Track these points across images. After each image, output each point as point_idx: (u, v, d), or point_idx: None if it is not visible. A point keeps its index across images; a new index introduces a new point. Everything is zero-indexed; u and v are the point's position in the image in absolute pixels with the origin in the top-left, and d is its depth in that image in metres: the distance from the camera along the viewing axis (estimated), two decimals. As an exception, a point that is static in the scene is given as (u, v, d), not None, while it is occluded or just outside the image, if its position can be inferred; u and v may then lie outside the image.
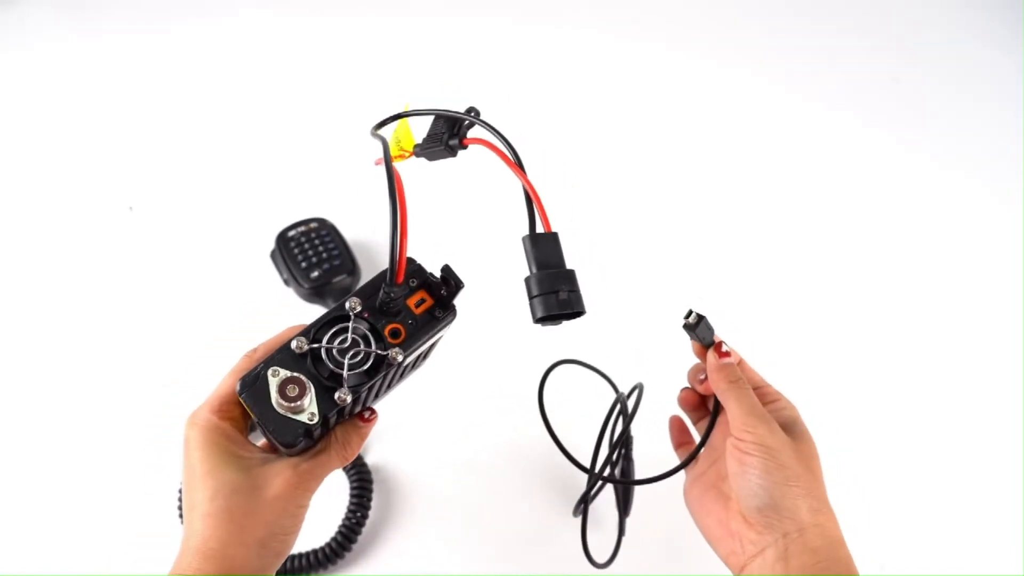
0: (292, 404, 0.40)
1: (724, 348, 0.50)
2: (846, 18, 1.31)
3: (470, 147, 0.48)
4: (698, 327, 0.50)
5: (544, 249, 0.41)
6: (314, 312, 0.84)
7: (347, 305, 0.42)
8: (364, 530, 0.68)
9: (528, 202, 0.43)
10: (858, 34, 1.27)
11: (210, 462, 0.41)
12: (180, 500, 0.68)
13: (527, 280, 0.41)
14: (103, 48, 1.15)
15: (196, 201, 0.96)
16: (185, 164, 1.00)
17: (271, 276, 0.86)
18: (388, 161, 0.44)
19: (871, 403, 0.83)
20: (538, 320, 0.40)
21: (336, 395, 0.40)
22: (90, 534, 0.68)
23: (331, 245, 0.84)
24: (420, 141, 0.48)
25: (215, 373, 0.84)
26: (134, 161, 1.00)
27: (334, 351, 0.41)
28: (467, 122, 0.47)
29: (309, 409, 0.40)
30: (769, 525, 0.43)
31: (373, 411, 0.46)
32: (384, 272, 0.43)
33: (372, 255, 0.90)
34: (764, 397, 0.49)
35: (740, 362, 0.50)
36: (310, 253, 0.83)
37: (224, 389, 0.44)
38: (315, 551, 0.66)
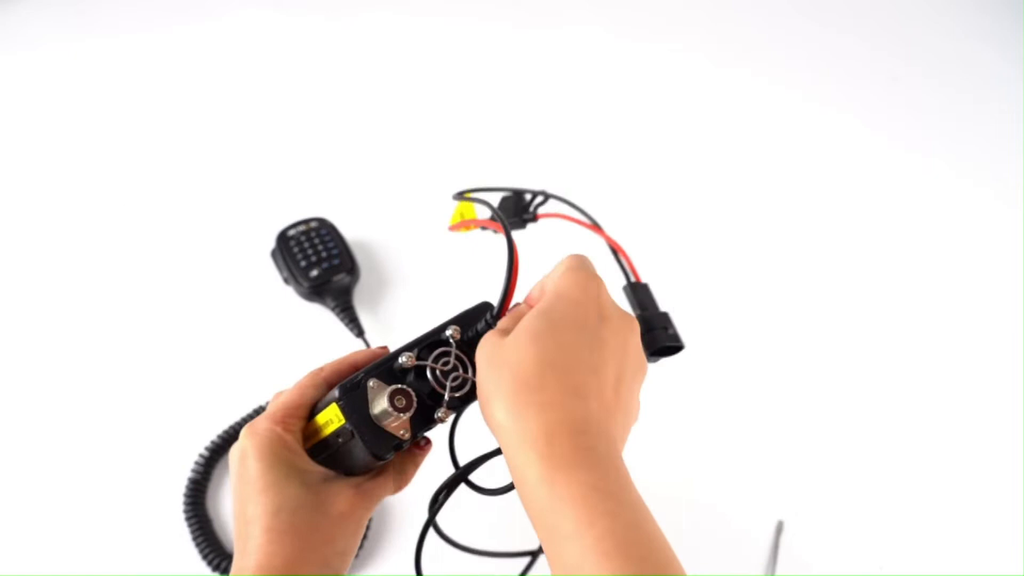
0: (397, 416, 0.40)
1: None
2: (846, 18, 1.31)
3: (541, 221, 0.57)
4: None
5: (643, 295, 0.51)
6: (314, 311, 0.84)
7: (447, 332, 0.43)
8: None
9: (615, 256, 0.52)
10: (858, 34, 1.27)
11: (272, 475, 0.39)
12: (188, 492, 0.68)
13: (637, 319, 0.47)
14: (103, 48, 1.15)
15: (196, 201, 0.96)
16: (185, 164, 1.00)
17: (271, 275, 0.86)
18: (498, 212, 0.50)
19: (871, 403, 0.83)
20: (654, 353, 0.48)
21: (436, 414, 0.42)
22: (90, 533, 0.68)
23: (331, 244, 0.84)
24: (490, 214, 0.53)
25: (215, 371, 0.84)
26: (135, 161, 1.00)
27: (438, 371, 0.42)
28: (540, 199, 0.55)
29: (405, 425, 0.41)
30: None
31: (428, 440, 0.46)
32: (480, 306, 0.46)
33: (371, 255, 0.90)
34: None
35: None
36: (310, 252, 0.83)
37: (288, 401, 0.42)
38: None
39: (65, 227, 0.92)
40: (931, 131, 1.14)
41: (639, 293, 0.50)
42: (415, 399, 0.41)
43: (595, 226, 0.52)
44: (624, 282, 0.52)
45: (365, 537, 0.68)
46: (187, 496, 0.68)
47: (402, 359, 0.41)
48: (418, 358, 0.42)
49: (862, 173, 1.07)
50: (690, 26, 1.27)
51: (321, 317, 0.84)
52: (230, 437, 0.72)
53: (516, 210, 0.56)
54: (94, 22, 1.19)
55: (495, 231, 0.48)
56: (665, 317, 0.49)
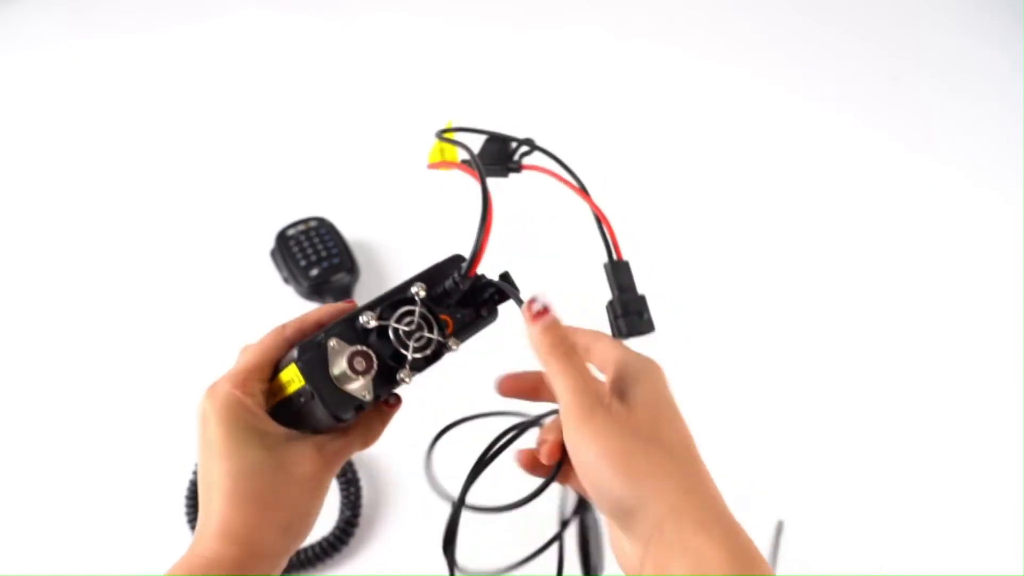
0: (356, 378, 0.39)
1: (537, 306, 0.39)
2: (846, 18, 1.31)
3: (526, 173, 0.51)
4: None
5: (622, 275, 0.46)
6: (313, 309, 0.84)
7: (412, 289, 0.41)
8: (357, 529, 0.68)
9: (600, 228, 0.46)
10: (858, 34, 1.27)
11: (232, 438, 0.38)
12: (189, 494, 0.68)
13: (612, 303, 0.45)
14: (103, 48, 1.15)
15: (196, 200, 0.96)
16: (185, 163, 1.00)
17: (271, 274, 0.86)
18: (475, 158, 0.46)
19: (872, 403, 0.83)
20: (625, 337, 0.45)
21: (398, 375, 0.40)
22: (90, 533, 0.68)
23: (330, 244, 0.85)
24: (466, 156, 0.49)
25: (215, 372, 0.84)
26: (135, 160, 1.00)
27: (400, 331, 0.41)
28: (525, 148, 0.50)
29: (367, 386, 0.39)
30: (630, 530, 0.35)
31: (398, 398, 0.45)
32: (448, 260, 0.44)
33: (371, 254, 0.90)
34: (604, 355, 0.40)
35: (576, 328, 0.41)
36: (309, 252, 0.83)
37: (249, 361, 0.42)
38: (316, 544, 0.66)
39: (66, 226, 0.92)
40: (931, 131, 1.14)
41: (619, 273, 0.45)
42: (375, 361, 0.39)
43: (581, 190, 0.47)
44: (604, 258, 0.46)
45: (359, 512, 0.68)
46: (189, 497, 0.68)
47: (363, 318, 0.40)
48: (380, 317, 0.40)
49: (862, 173, 1.07)
50: (690, 26, 1.27)
51: (321, 317, 0.84)
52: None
53: (499, 157, 0.51)
54: (94, 22, 1.19)
55: (473, 178, 0.44)
56: (642, 301, 0.45)
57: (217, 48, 1.16)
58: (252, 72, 1.13)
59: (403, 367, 0.40)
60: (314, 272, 0.82)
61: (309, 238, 0.85)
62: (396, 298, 0.42)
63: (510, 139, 0.50)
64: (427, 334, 0.41)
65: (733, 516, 0.35)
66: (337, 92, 1.12)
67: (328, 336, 0.40)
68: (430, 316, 0.42)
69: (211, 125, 1.05)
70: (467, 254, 0.41)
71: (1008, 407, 0.83)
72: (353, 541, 0.68)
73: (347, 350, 0.39)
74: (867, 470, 0.78)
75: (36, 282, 0.87)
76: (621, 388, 0.37)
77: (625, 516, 0.34)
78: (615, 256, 0.46)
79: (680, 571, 0.32)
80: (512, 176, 0.51)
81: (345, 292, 0.83)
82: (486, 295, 0.45)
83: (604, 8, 1.29)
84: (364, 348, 0.39)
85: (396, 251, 0.91)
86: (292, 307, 0.84)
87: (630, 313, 0.45)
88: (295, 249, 0.84)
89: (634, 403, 0.37)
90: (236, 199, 0.96)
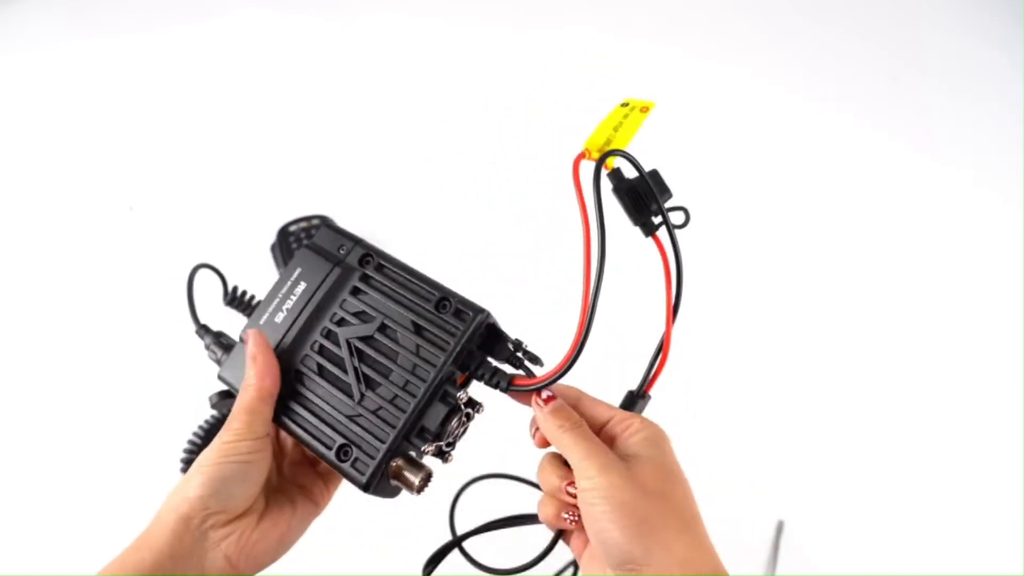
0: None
1: (545, 394, 0.42)
2: (846, 18, 1.31)
3: (641, 241, 0.46)
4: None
5: (638, 408, 0.45)
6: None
7: (459, 395, 0.42)
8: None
9: (655, 358, 0.45)
10: (858, 34, 1.27)
11: None
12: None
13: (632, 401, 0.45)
14: (104, 48, 1.15)
15: (200, 198, 0.96)
16: (190, 162, 1.00)
17: (269, 268, 0.86)
18: (647, 181, 0.43)
19: (872, 403, 0.83)
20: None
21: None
22: (90, 532, 0.68)
23: (331, 243, 0.85)
24: (617, 178, 0.44)
25: (215, 366, 0.83)
26: (137, 160, 1.00)
27: (442, 447, 0.43)
28: (675, 219, 0.46)
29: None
30: (629, 571, 0.37)
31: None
32: (478, 325, 0.42)
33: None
34: (613, 428, 0.43)
35: (579, 398, 0.44)
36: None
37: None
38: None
39: (66, 225, 0.92)
40: (931, 131, 1.14)
41: (639, 406, 0.45)
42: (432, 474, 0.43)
43: (672, 311, 0.45)
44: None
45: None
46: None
47: (423, 448, 0.42)
48: (435, 439, 0.42)
49: (862, 172, 1.07)
50: (690, 26, 1.27)
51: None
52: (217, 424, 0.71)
53: (639, 205, 0.45)
54: (94, 22, 1.19)
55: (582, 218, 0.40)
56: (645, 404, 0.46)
57: (218, 48, 1.16)
58: (253, 72, 1.13)
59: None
60: (313, 270, 0.82)
61: (309, 235, 0.85)
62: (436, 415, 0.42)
63: (664, 193, 0.45)
64: (465, 426, 0.43)
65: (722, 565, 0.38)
66: (341, 91, 1.12)
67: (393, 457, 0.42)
68: (470, 409, 0.43)
69: (213, 124, 1.05)
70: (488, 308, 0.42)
71: (1008, 407, 0.83)
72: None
73: (422, 472, 0.42)
74: (867, 470, 0.78)
75: (37, 282, 0.87)
76: (630, 451, 0.40)
77: (630, 565, 0.37)
78: (644, 389, 0.45)
79: None
80: (622, 231, 0.46)
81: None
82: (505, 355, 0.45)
83: (604, 8, 1.29)
84: (431, 472, 0.42)
85: (396, 251, 0.91)
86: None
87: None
88: (295, 245, 0.84)
89: (643, 464, 0.39)
90: (240, 195, 0.96)
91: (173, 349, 0.81)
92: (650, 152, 1.19)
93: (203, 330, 0.49)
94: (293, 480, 0.46)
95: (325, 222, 0.86)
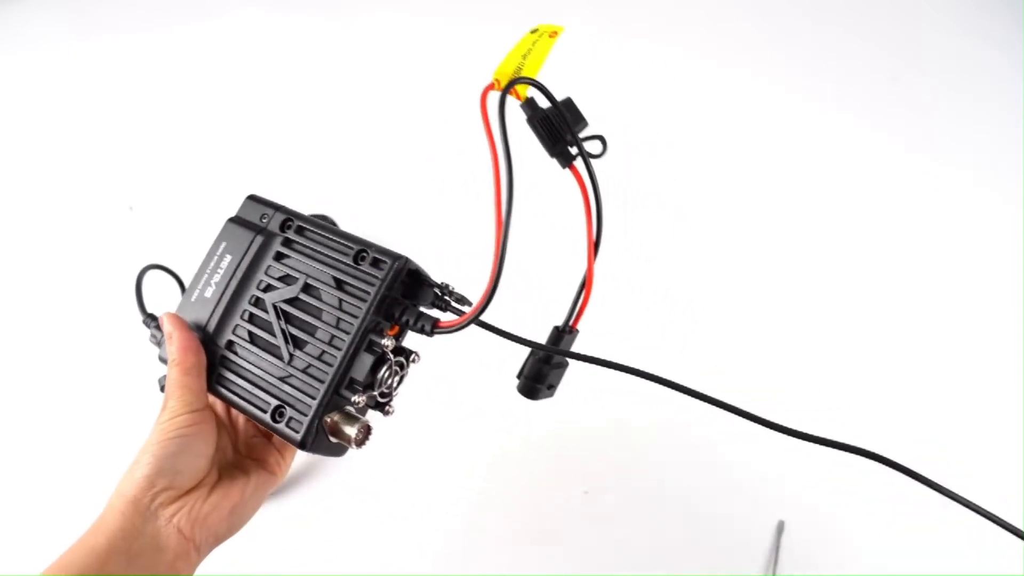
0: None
1: None
2: (846, 18, 1.31)
3: (557, 173, 0.45)
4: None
5: (564, 343, 0.44)
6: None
7: (384, 342, 0.42)
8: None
9: (579, 292, 0.44)
10: (858, 34, 1.27)
11: None
12: None
13: (535, 360, 0.44)
14: (104, 48, 1.15)
15: (200, 198, 0.96)
16: (190, 162, 1.00)
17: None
18: (556, 111, 0.41)
19: (872, 402, 0.83)
20: (519, 387, 0.45)
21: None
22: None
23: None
24: (531, 108, 0.43)
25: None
26: (136, 160, 1.00)
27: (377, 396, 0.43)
28: (590, 148, 0.44)
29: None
30: None
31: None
32: (398, 268, 0.43)
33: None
34: None
35: None
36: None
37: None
38: None
39: (66, 225, 0.92)
40: (931, 131, 1.14)
41: (563, 341, 0.44)
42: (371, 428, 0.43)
43: (594, 244, 0.43)
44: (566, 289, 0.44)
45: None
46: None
47: (355, 399, 0.42)
48: (365, 389, 0.42)
49: (862, 172, 1.07)
50: (690, 26, 1.27)
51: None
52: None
53: (555, 136, 0.44)
54: (94, 22, 1.19)
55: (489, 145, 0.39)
56: (559, 375, 0.45)
57: (217, 48, 1.16)
58: (253, 72, 1.13)
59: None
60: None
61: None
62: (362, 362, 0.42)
63: (579, 123, 0.44)
64: (399, 375, 0.43)
65: None
66: (339, 92, 1.12)
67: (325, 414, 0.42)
68: (401, 359, 0.43)
69: (213, 124, 1.06)
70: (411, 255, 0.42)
71: (1009, 406, 0.83)
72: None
73: (357, 424, 0.41)
74: (867, 470, 0.78)
75: (37, 282, 0.87)
76: None
77: None
78: (571, 324, 0.44)
79: None
80: (540, 164, 0.45)
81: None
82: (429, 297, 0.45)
83: (604, 8, 1.29)
84: (368, 424, 0.42)
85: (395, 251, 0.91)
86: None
87: (541, 381, 0.44)
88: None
89: None
90: (239, 195, 0.96)
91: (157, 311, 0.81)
92: (649, 152, 1.20)
93: (149, 319, 0.51)
94: (248, 455, 0.47)
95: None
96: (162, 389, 0.47)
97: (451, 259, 0.92)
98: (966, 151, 1.11)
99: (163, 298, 0.55)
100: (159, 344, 0.48)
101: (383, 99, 1.11)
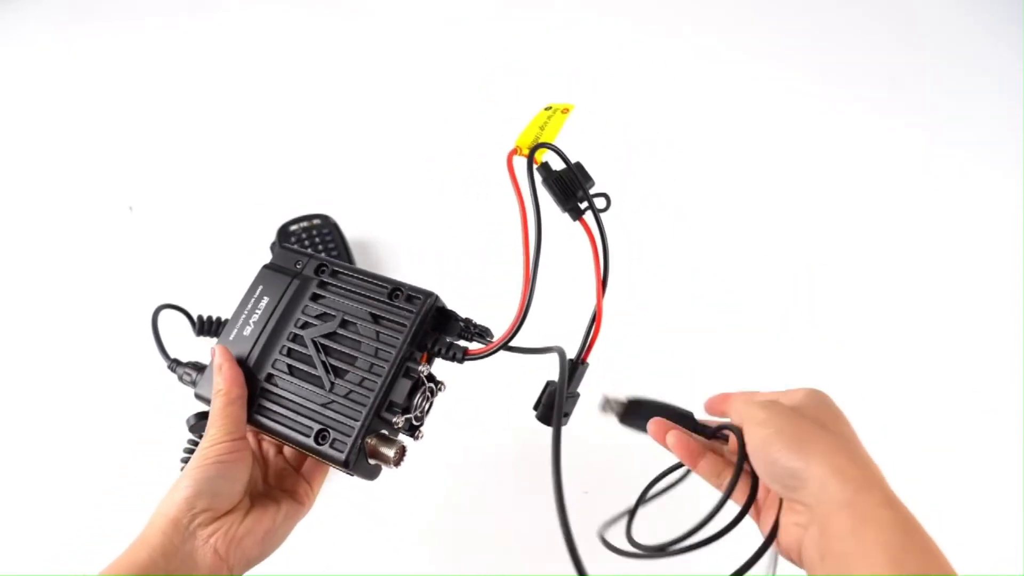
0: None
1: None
2: (846, 18, 1.31)
3: (569, 225, 0.50)
4: (627, 412, 0.50)
5: (576, 378, 0.49)
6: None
7: (420, 369, 0.47)
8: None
9: (590, 326, 0.48)
10: (858, 34, 1.27)
11: None
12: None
13: (549, 389, 0.48)
14: (104, 47, 1.15)
15: (200, 198, 0.96)
16: (190, 162, 1.00)
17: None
18: (570, 171, 0.48)
19: (872, 399, 0.83)
20: (537, 415, 0.49)
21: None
22: (90, 532, 0.68)
23: (330, 242, 0.85)
24: (545, 171, 0.48)
25: (208, 350, 0.84)
26: (136, 160, 1.00)
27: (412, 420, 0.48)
28: (586, 207, 0.49)
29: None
30: (798, 493, 0.40)
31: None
32: (428, 305, 0.47)
33: (369, 253, 0.90)
34: (769, 395, 0.48)
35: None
36: (308, 248, 0.83)
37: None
38: None
39: (65, 225, 0.92)
40: (931, 130, 1.14)
41: (575, 372, 0.48)
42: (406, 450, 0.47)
43: (601, 283, 0.48)
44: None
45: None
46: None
47: (395, 421, 0.46)
48: (405, 411, 0.46)
49: (861, 171, 1.07)
50: (689, 26, 1.27)
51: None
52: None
53: (567, 194, 0.48)
54: (95, 19, 1.19)
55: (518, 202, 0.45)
56: (572, 403, 0.49)
57: (217, 47, 1.16)
58: (253, 71, 1.14)
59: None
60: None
61: (310, 234, 0.85)
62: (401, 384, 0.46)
63: (588, 181, 0.49)
64: (430, 401, 0.48)
65: (888, 482, 0.40)
66: (339, 91, 1.12)
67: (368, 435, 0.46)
68: (431, 386, 0.47)
69: (213, 124, 1.06)
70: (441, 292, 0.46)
71: (1009, 405, 0.83)
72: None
73: (395, 446, 0.45)
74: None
75: (37, 282, 0.87)
76: (794, 402, 0.45)
77: (793, 481, 0.40)
78: (582, 357, 0.48)
79: (842, 527, 0.37)
80: (551, 215, 0.49)
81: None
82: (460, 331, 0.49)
83: (605, 8, 1.29)
84: (404, 445, 0.46)
85: (395, 252, 0.91)
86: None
87: (548, 411, 0.48)
88: (294, 244, 0.84)
89: (805, 406, 0.45)
90: (239, 195, 0.97)
91: (173, 349, 0.81)
92: (650, 151, 1.20)
93: (174, 363, 0.54)
94: (277, 486, 0.50)
95: (327, 223, 0.87)
96: (191, 428, 0.51)
97: (451, 259, 0.92)
98: (966, 150, 1.11)
99: (173, 337, 0.57)
100: (193, 384, 0.51)
101: (383, 99, 1.11)
